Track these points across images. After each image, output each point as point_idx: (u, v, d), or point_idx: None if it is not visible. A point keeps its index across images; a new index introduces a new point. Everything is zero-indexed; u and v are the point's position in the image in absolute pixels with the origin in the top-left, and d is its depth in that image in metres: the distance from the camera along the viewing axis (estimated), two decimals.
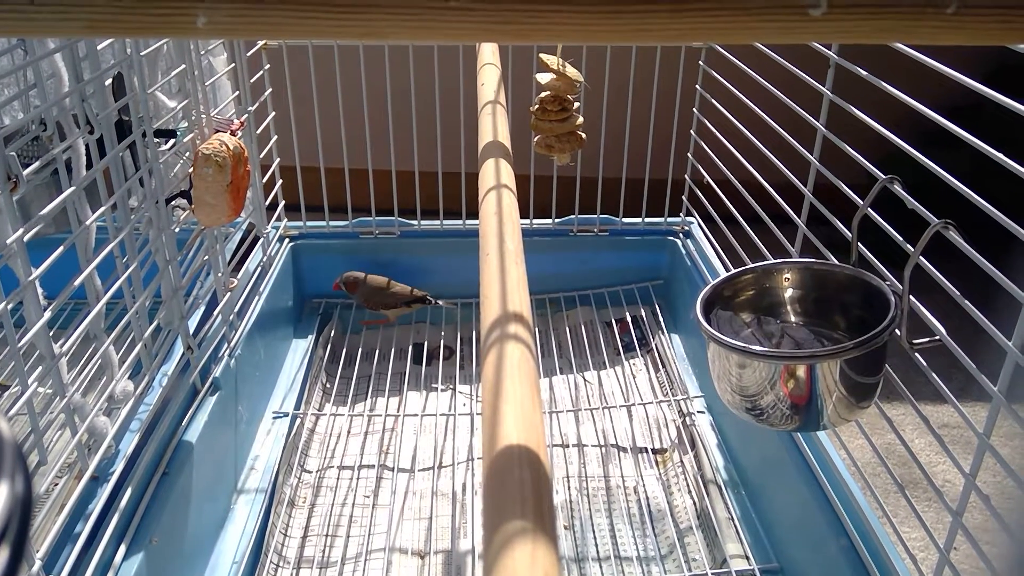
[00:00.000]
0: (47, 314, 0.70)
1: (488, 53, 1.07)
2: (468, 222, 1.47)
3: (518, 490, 0.36)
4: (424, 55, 1.34)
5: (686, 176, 1.44)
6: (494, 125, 0.83)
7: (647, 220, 1.49)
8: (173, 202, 1.04)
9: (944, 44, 0.41)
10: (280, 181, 1.39)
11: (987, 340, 0.65)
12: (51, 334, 0.73)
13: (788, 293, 0.82)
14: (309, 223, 1.47)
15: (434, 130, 1.39)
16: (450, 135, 1.38)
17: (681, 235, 1.48)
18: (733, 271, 0.83)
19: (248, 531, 1.01)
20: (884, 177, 0.76)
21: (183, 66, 1.01)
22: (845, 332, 0.79)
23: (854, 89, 0.89)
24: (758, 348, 0.75)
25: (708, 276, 1.31)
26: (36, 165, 0.69)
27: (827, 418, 0.74)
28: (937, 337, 0.70)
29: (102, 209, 0.79)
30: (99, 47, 0.86)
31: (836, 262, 0.82)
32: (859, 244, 0.80)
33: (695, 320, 0.77)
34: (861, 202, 0.79)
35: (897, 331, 0.72)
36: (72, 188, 0.74)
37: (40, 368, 0.73)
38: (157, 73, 1.06)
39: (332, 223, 1.47)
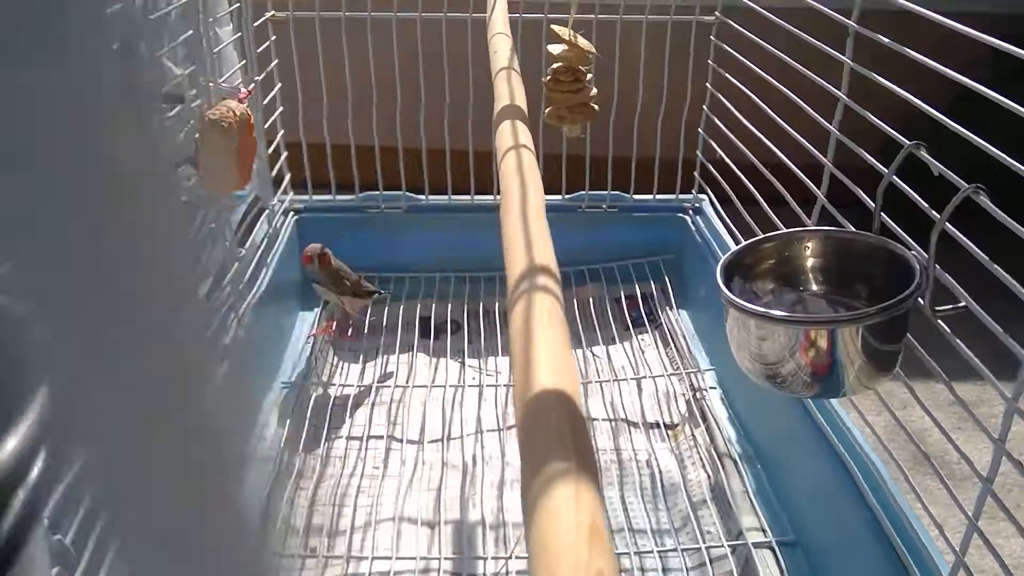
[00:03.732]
0: None
1: (499, 24, 1.05)
2: (477, 198, 1.45)
3: (556, 432, 0.35)
4: (433, 29, 1.32)
5: (698, 152, 1.42)
6: (510, 89, 0.82)
7: (658, 197, 1.48)
8: (179, 169, 1.03)
9: None
10: (285, 153, 1.38)
11: (1012, 311, 0.64)
12: None
13: (810, 262, 0.81)
14: (315, 197, 1.46)
15: (442, 107, 1.37)
16: (458, 112, 1.36)
17: (692, 212, 1.47)
18: (754, 239, 0.82)
19: (256, 500, 1.00)
20: (909, 143, 0.74)
21: (190, 31, 1.00)
22: (867, 301, 0.78)
23: (873, 61, 0.88)
24: (779, 313, 0.73)
25: (719, 253, 1.29)
26: None
27: (848, 385, 0.73)
28: (962, 304, 0.69)
29: None
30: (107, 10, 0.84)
31: (859, 231, 0.81)
32: (882, 214, 0.79)
33: (715, 287, 0.76)
34: (885, 170, 0.78)
35: (920, 300, 0.71)
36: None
37: None
38: (164, 40, 1.05)
39: (338, 197, 1.45)
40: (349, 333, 1.32)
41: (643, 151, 1.40)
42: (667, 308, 1.39)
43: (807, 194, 0.96)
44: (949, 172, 0.70)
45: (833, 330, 0.70)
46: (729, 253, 0.80)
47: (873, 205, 0.79)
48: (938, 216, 0.69)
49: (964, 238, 0.69)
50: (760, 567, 0.89)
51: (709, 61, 1.36)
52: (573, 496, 0.31)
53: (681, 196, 1.48)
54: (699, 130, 1.40)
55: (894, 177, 0.76)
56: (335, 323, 1.31)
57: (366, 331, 1.35)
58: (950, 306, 0.71)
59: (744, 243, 0.82)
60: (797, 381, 0.73)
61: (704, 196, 1.46)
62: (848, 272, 0.79)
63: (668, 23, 1.36)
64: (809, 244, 0.81)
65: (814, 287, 0.81)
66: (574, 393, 0.38)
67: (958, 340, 0.70)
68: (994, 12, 1.66)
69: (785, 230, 0.83)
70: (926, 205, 0.74)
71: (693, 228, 1.43)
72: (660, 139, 1.39)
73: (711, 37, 1.35)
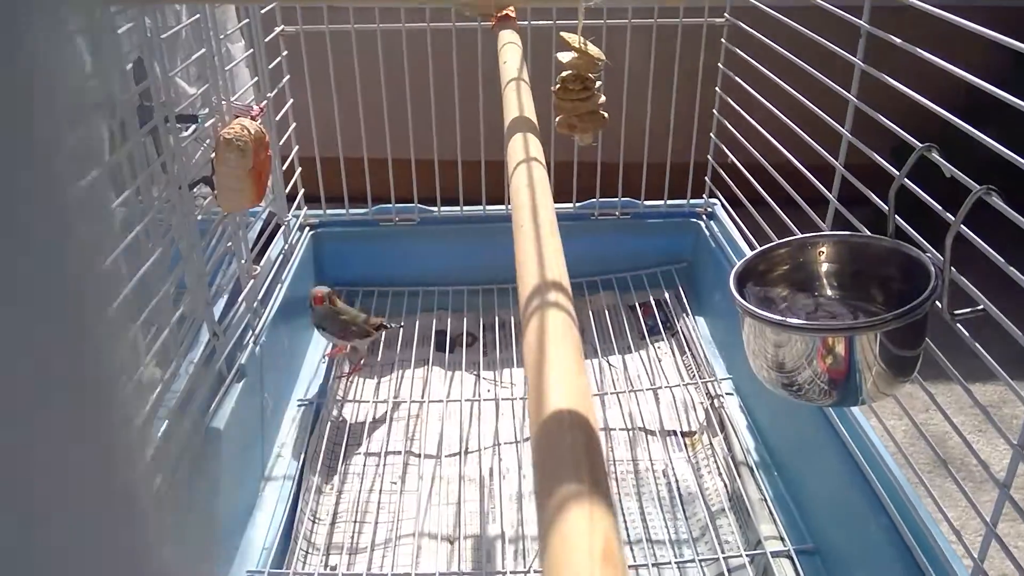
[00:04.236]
0: None
1: (509, 34, 1.05)
2: (489, 208, 1.46)
3: (570, 454, 0.35)
4: (443, 42, 1.33)
5: (709, 157, 1.42)
6: (519, 101, 0.82)
7: (669, 203, 1.47)
8: (195, 188, 1.04)
9: None
10: (299, 169, 1.39)
11: None
12: None
13: (824, 267, 0.80)
14: (329, 211, 1.47)
15: (453, 119, 1.37)
16: (469, 123, 1.36)
17: (704, 217, 1.46)
18: (767, 245, 0.81)
19: (277, 518, 1.00)
20: (921, 145, 0.74)
21: (202, 50, 1.00)
22: (883, 306, 0.77)
23: (884, 60, 0.87)
24: (795, 321, 0.73)
25: (733, 258, 1.29)
26: None
27: (866, 392, 0.73)
28: (980, 307, 0.68)
29: (127, 192, 0.79)
30: (119, 31, 0.85)
31: (873, 234, 0.80)
32: (896, 217, 0.78)
33: (729, 295, 0.76)
34: (897, 172, 0.77)
35: (938, 303, 0.70)
36: (96, 172, 0.73)
37: None
38: (176, 59, 1.06)
39: (352, 211, 1.46)
40: (360, 364, 1.31)
41: (652, 156, 1.40)
42: (683, 315, 1.39)
43: (819, 194, 0.96)
44: (961, 174, 0.69)
45: (851, 337, 0.70)
46: (742, 260, 0.79)
47: (886, 207, 0.78)
48: (952, 218, 0.68)
49: (980, 241, 0.68)
50: None
51: (719, 64, 1.35)
52: (587, 519, 0.31)
53: (692, 201, 1.47)
54: (711, 134, 1.40)
55: (906, 180, 0.75)
56: (348, 364, 1.31)
57: (379, 354, 1.35)
58: (968, 309, 0.70)
59: (757, 249, 0.81)
60: (814, 389, 0.73)
61: (716, 200, 1.45)
62: (863, 276, 0.79)
63: (679, 26, 1.36)
64: (823, 249, 0.81)
65: (829, 292, 0.80)
66: (588, 413, 0.38)
67: (977, 344, 0.69)
68: (1010, 5, 1.65)
69: (798, 235, 0.82)
70: (940, 208, 0.73)
71: (707, 233, 1.43)
72: (671, 143, 1.39)
73: (721, 40, 1.34)
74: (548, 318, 0.45)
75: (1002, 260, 0.65)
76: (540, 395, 0.39)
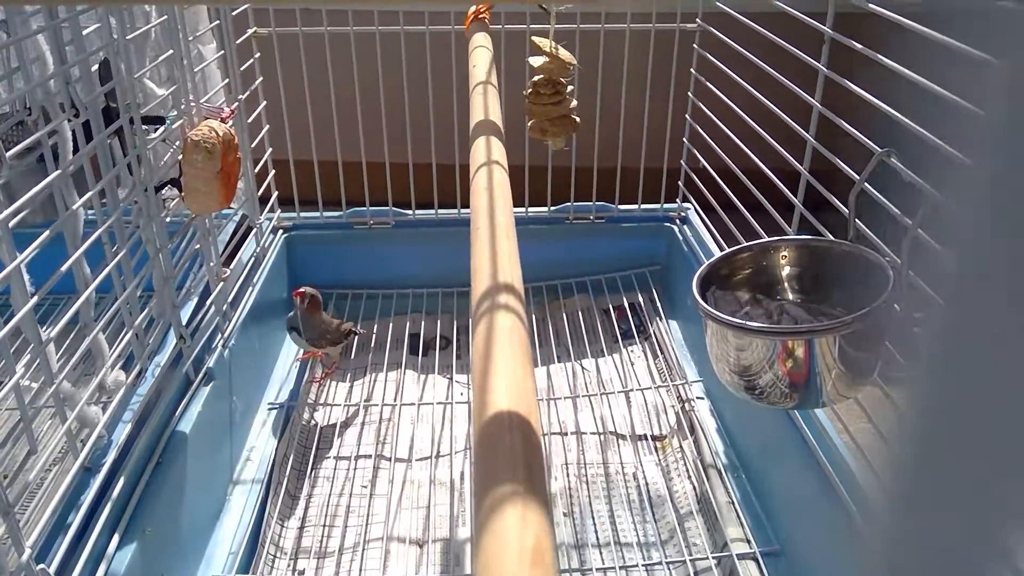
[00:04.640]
0: (34, 299, 0.69)
1: (480, 37, 1.05)
2: (463, 211, 1.46)
3: (508, 455, 0.35)
4: (416, 45, 1.33)
5: (682, 162, 1.42)
6: (485, 104, 0.82)
7: (643, 207, 1.48)
8: (163, 190, 1.03)
9: None
10: (273, 171, 1.38)
11: None
12: (42, 329, 0.72)
13: (786, 271, 0.81)
14: (303, 214, 1.46)
15: (428, 122, 1.37)
16: (444, 126, 1.36)
17: (678, 221, 1.47)
18: (730, 249, 0.82)
19: (244, 522, 1.00)
20: (881, 150, 0.75)
21: (171, 51, 1.00)
22: (844, 309, 0.78)
23: (848, 75, 0.88)
24: (755, 324, 0.74)
25: (706, 261, 1.29)
26: (20, 146, 0.68)
27: (826, 395, 0.73)
28: None
29: (90, 193, 0.78)
30: (85, 32, 0.85)
31: (834, 239, 0.81)
32: (857, 221, 0.79)
33: (692, 299, 0.76)
34: (858, 178, 0.78)
35: (897, 305, 0.71)
36: (58, 171, 0.73)
37: (28, 355, 0.72)
38: (145, 60, 1.05)
39: (326, 213, 1.46)
40: (333, 368, 1.31)
41: (626, 161, 1.40)
42: (656, 319, 1.39)
43: (790, 200, 0.97)
44: (919, 179, 0.70)
45: (810, 340, 0.70)
46: (704, 265, 0.80)
47: (847, 211, 0.79)
48: (910, 222, 0.69)
49: (932, 242, 0.69)
50: None
51: (691, 70, 1.36)
52: (520, 519, 0.31)
53: (666, 205, 1.48)
54: (683, 140, 1.41)
55: (866, 184, 0.76)
56: (321, 370, 1.30)
57: (352, 356, 1.35)
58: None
59: (720, 254, 0.82)
60: (775, 392, 0.73)
61: (689, 205, 1.46)
62: (824, 280, 0.80)
63: (651, 32, 1.36)
64: (785, 253, 0.81)
65: (791, 296, 0.81)
66: (530, 416, 0.38)
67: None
68: None
69: (761, 240, 0.83)
70: (897, 211, 0.74)
71: (680, 237, 1.44)
72: (644, 148, 1.39)
73: (694, 45, 1.35)
74: (497, 321, 0.45)
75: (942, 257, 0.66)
76: (484, 396, 0.39)
